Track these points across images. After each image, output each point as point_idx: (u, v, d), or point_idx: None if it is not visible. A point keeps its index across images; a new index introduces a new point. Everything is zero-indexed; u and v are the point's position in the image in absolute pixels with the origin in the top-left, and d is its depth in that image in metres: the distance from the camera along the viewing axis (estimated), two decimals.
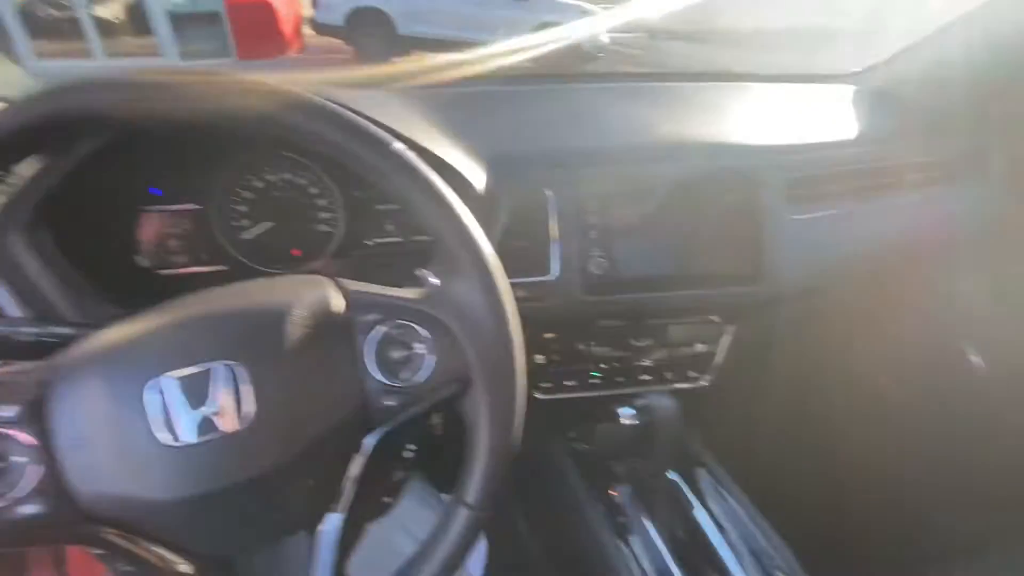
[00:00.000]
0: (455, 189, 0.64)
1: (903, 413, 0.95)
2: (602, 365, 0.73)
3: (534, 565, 0.79)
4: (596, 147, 0.69)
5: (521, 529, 0.85)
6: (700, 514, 0.61)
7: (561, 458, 0.71)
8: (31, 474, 0.31)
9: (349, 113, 0.37)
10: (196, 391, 0.32)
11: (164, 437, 0.32)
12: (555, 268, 0.65)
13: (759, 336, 0.75)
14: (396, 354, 0.38)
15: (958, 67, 0.85)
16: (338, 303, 0.38)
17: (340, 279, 0.39)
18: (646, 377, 0.74)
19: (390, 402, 0.37)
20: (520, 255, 0.65)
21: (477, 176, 0.62)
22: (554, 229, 0.65)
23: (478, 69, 0.83)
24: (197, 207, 0.64)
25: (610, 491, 0.66)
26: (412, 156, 0.38)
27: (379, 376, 0.37)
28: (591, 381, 0.73)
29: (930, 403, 0.95)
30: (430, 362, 0.38)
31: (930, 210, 0.79)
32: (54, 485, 0.31)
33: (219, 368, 0.33)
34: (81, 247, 0.49)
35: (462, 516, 0.38)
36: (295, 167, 0.66)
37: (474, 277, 0.38)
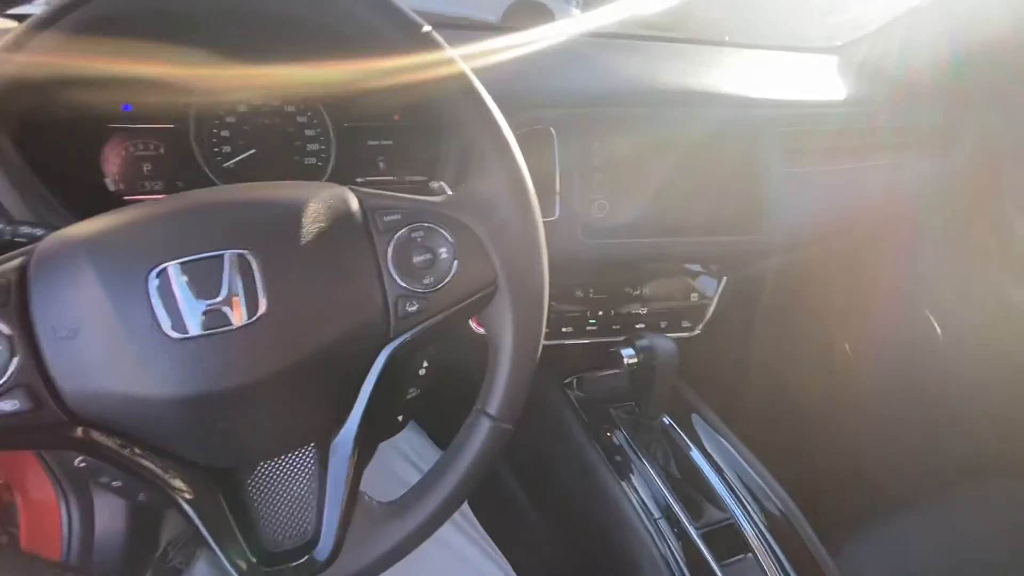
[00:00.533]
0: (433, 122, 0.62)
1: (870, 370, 1.01)
2: (599, 312, 0.73)
3: (524, 516, 0.79)
4: (600, 89, 0.68)
5: (509, 482, 0.84)
6: (696, 454, 0.63)
7: (557, 403, 0.70)
8: (5, 366, 0.27)
9: None
10: (205, 279, 0.29)
11: (167, 328, 0.28)
12: (557, 209, 0.64)
13: (748, 288, 0.77)
14: (418, 258, 0.36)
15: (933, 44, 0.89)
16: (355, 204, 0.35)
17: (353, 187, 0.37)
18: (641, 325, 0.74)
19: (412, 308, 0.35)
20: None
21: None
22: (557, 170, 0.64)
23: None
24: (172, 126, 0.58)
25: (608, 434, 0.66)
26: (441, 40, 0.35)
27: (400, 281, 0.35)
28: (588, 328, 0.73)
29: (895, 361, 1.01)
30: (455, 267, 0.36)
31: (904, 177, 0.82)
32: (34, 379, 0.28)
33: (231, 255, 0.30)
34: (47, 165, 0.44)
35: (485, 427, 0.37)
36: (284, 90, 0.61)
37: (502, 177, 0.37)
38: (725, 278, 0.74)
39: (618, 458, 0.63)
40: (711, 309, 0.75)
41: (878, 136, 0.80)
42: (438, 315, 0.36)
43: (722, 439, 0.65)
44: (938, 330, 1.03)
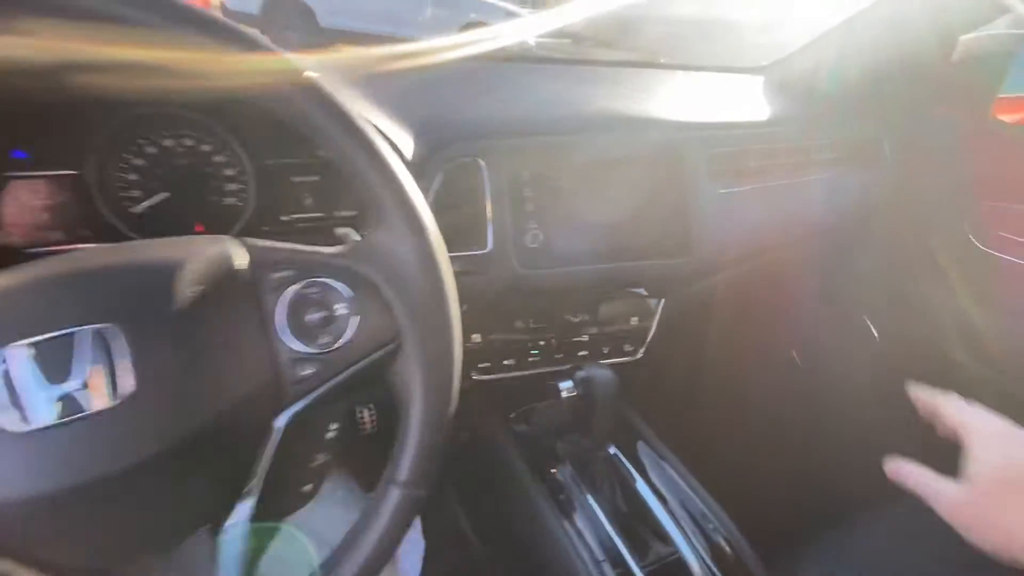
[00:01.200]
0: None
1: (816, 378, 1.03)
2: (540, 342, 0.72)
3: (474, 556, 0.76)
4: (528, 118, 0.68)
5: (460, 520, 0.82)
6: (641, 486, 0.62)
7: (501, 440, 0.68)
8: None
9: (254, 33, 0.32)
10: (55, 362, 0.26)
11: (10, 420, 0.25)
12: (490, 241, 0.63)
13: (688, 308, 0.77)
14: (313, 316, 0.34)
15: (853, 62, 0.93)
16: (242, 260, 0.33)
17: (245, 238, 0.34)
18: (583, 353, 0.73)
19: (307, 372, 0.33)
20: (454, 228, 0.63)
21: (405, 143, 0.59)
22: (488, 201, 0.63)
23: (405, 62, 0.79)
24: (71, 173, 0.55)
25: (552, 470, 0.64)
26: (327, 86, 0.34)
27: (293, 342, 0.33)
28: (530, 359, 0.72)
29: (839, 367, 1.04)
30: (353, 324, 0.34)
31: (833, 190, 0.85)
32: None
33: (85, 333, 0.27)
34: None
35: (395, 496, 0.35)
36: (196, 129, 0.58)
37: (403, 225, 0.35)
38: (663, 300, 0.75)
39: (562, 496, 0.61)
40: (652, 332, 0.75)
41: (805, 153, 0.83)
42: (337, 376, 0.34)
43: (668, 467, 0.64)
44: (875, 334, 1.06)
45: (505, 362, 0.71)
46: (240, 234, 0.63)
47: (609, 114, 0.71)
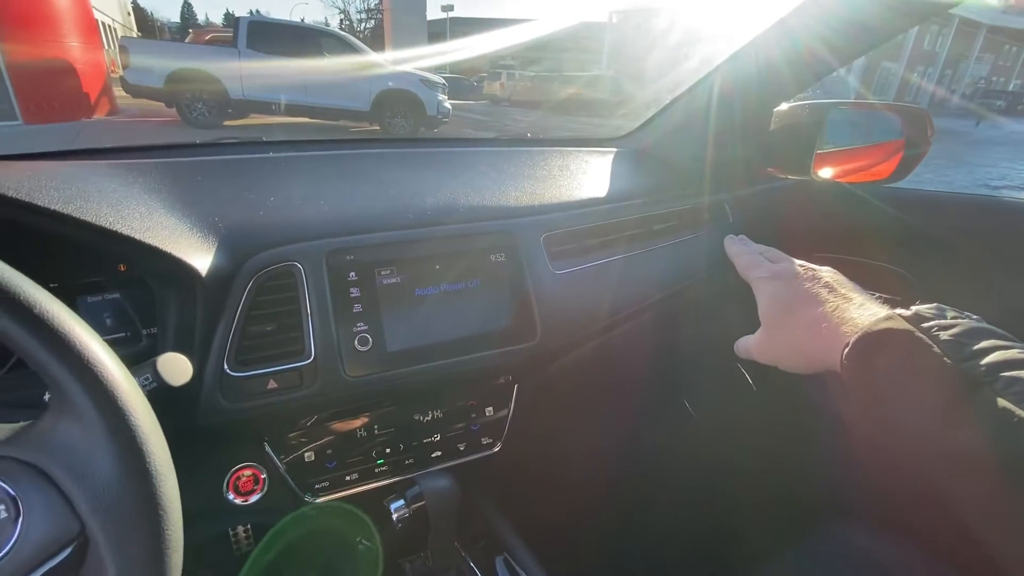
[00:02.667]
0: (165, 274, 0.54)
1: (694, 434, 1.03)
2: (387, 450, 0.66)
3: None
4: (351, 212, 0.65)
5: None
6: None
7: (345, 568, 0.61)
8: None
9: None
10: None
11: None
12: (312, 349, 0.58)
13: (544, 391, 0.75)
14: None
15: (694, 128, 1.01)
16: None
17: None
18: (437, 454, 0.68)
19: None
20: (269, 339, 0.57)
21: (199, 256, 0.54)
22: (307, 306, 0.58)
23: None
24: None
25: None
26: None
27: None
28: (377, 470, 0.66)
29: (715, 421, 1.05)
30: (17, 527, 0.28)
31: (681, 253, 0.89)
32: None
33: None
34: None
35: None
36: None
37: (84, 409, 0.29)
38: (516, 386, 0.72)
39: None
40: (507, 422, 0.72)
41: (647, 224, 0.85)
42: None
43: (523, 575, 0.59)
44: (752, 383, 1.10)
45: (347, 478, 0.64)
46: None
47: (439, 204, 0.70)
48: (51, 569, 0.28)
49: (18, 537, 0.28)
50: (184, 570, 0.32)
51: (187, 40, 8.98)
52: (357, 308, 0.61)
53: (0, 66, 6.99)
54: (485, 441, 0.71)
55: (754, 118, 0.98)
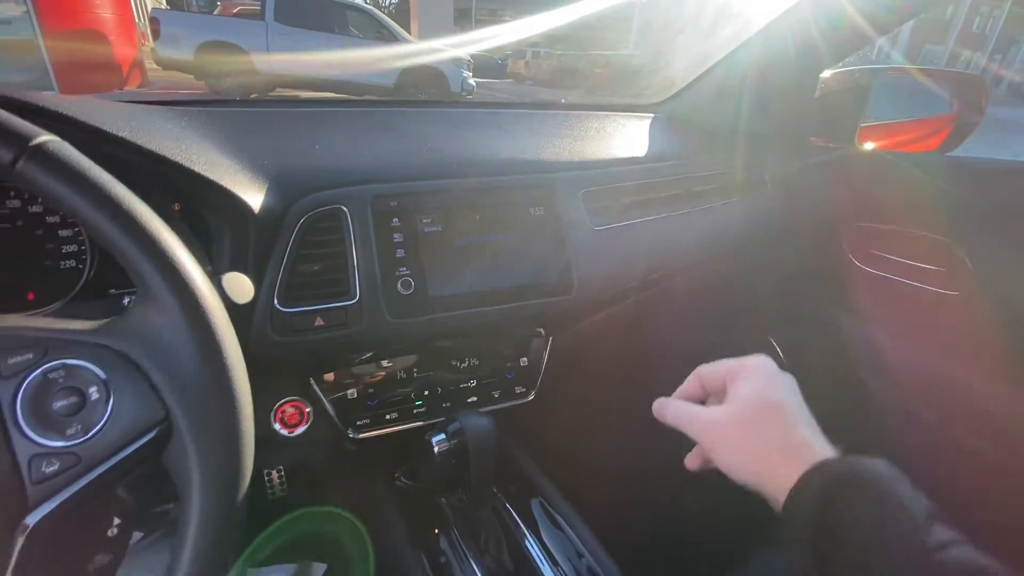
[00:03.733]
0: (220, 209, 0.57)
1: None
2: (425, 392, 0.68)
3: None
4: (395, 163, 0.67)
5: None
6: (529, 542, 0.58)
7: (385, 503, 0.64)
8: None
9: None
10: None
11: None
12: (357, 290, 0.60)
13: (578, 345, 0.76)
14: (61, 403, 0.29)
15: (731, 99, 0.99)
16: None
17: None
18: (472, 399, 0.70)
19: (51, 468, 0.28)
20: (316, 279, 0.60)
21: (252, 194, 0.56)
22: (353, 249, 0.60)
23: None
24: None
25: (436, 531, 0.60)
26: (61, 150, 0.30)
27: (34, 435, 0.29)
28: (415, 411, 0.68)
29: None
30: (109, 409, 0.30)
31: (715, 220, 0.88)
32: None
33: None
34: None
35: None
36: (23, 191, 0.54)
37: (165, 297, 0.31)
38: (551, 339, 0.73)
39: (443, 560, 0.57)
40: (542, 372, 0.73)
41: (683, 185, 0.85)
42: (92, 471, 0.30)
43: (560, 518, 0.61)
44: (781, 354, 1.09)
45: (387, 417, 0.67)
46: (74, 299, 0.58)
47: (481, 157, 0.70)
48: (138, 449, 0.31)
49: (109, 417, 0.30)
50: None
51: (215, 12, 8.98)
52: (400, 253, 0.62)
53: (38, 37, 7.14)
54: (519, 390, 0.73)
55: (796, 85, 0.96)
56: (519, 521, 0.60)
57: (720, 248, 0.89)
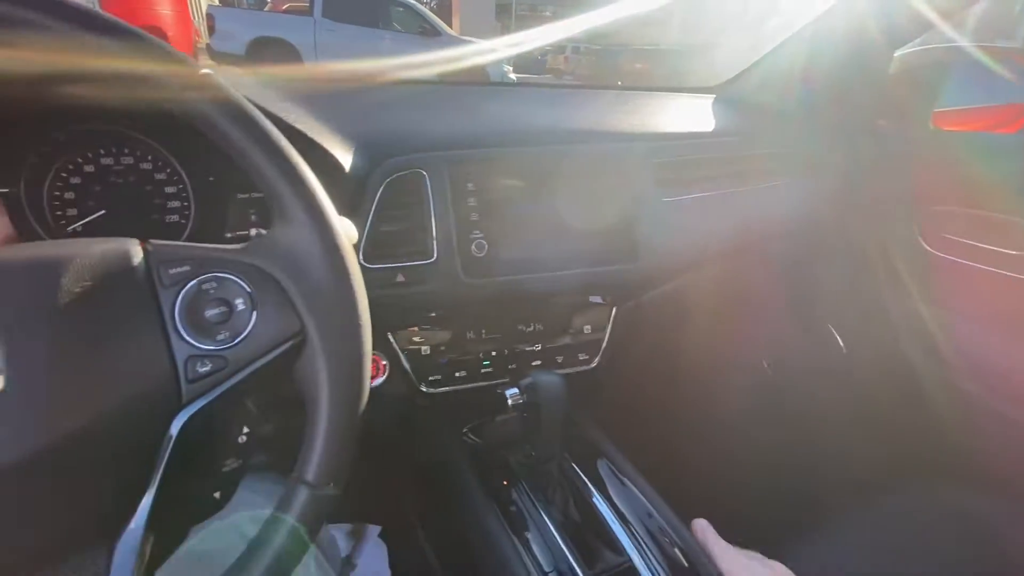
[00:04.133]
0: (314, 165, 0.61)
1: (784, 386, 1.02)
2: (492, 353, 0.71)
3: (434, 571, 0.73)
4: (471, 132, 0.69)
5: (424, 547, 0.79)
6: (596, 499, 0.60)
7: (455, 458, 0.66)
8: None
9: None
10: None
11: None
12: (435, 250, 0.63)
13: (641, 316, 0.77)
14: (212, 312, 0.33)
15: (796, 80, 0.97)
16: (136, 257, 0.32)
17: (143, 240, 0.34)
18: (537, 363, 0.72)
19: (205, 369, 0.32)
20: (399, 239, 0.63)
21: (343, 153, 0.59)
22: (432, 211, 0.63)
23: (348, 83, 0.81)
24: (3, 191, 0.54)
25: (505, 482, 0.62)
26: (220, 80, 0.34)
27: (190, 339, 0.32)
28: (483, 371, 0.71)
29: (806, 375, 1.03)
30: (253, 318, 0.34)
31: (781, 199, 0.87)
32: None
33: None
34: None
35: (303, 496, 0.33)
36: (136, 147, 0.59)
37: (302, 217, 0.35)
38: (615, 308, 0.74)
39: (513, 509, 0.59)
40: (605, 340, 0.75)
41: (750, 162, 0.84)
42: (238, 373, 0.33)
43: (623, 476, 0.63)
44: (841, 343, 1.07)
45: (456, 374, 0.70)
46: None
47: (552, 128, 0.72)
48: (276, 356, 0.34)
49: (253, 326, 0.34)
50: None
51: (266, 9, 9.30)
52: (474, 216, 0.65)
53: None
54: (582, 357, 0.74)
55: (867, 64, 0.93)
56: (586, 480, 0.62)
57: (784, 227, 0.88)
